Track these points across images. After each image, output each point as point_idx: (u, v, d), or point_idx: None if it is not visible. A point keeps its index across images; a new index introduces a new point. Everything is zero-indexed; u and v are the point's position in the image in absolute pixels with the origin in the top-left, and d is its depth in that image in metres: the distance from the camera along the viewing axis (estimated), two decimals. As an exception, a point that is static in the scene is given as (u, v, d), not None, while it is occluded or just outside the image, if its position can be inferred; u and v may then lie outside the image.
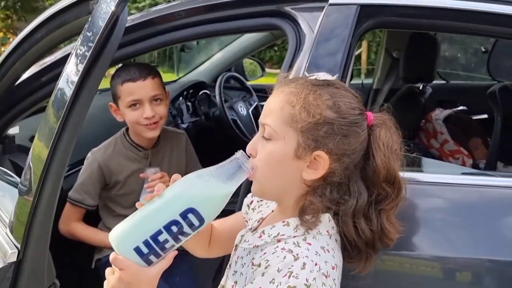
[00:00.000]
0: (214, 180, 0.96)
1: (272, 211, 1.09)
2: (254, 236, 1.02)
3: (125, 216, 1.93)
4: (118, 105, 1.75)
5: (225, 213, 1.06)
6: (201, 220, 0.95)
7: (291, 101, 0.95)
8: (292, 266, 0.89)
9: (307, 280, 0.87)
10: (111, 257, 0.96)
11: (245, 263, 1.01)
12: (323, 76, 1.02)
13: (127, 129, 1.83)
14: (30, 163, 1.29)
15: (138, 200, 1.78)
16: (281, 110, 0.96)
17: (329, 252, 0.94)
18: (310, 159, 0.95)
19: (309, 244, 0.94)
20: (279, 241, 0.96)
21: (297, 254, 0.91)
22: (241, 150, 0.99)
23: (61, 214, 1.78)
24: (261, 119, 1.00)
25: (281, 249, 0.93)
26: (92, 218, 1.85)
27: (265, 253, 0.96)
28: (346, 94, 0.98)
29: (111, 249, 1.86)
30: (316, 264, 0.90)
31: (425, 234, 1.16)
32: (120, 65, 1.79)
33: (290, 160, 0.96)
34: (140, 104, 1.71)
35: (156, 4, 12.10)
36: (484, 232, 1.14)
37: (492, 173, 1.23)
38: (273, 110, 0.98)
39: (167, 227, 0.94)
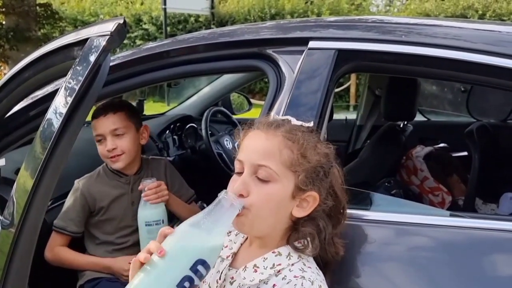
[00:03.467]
0: (213, 226, 0.98)
1: (241, 244, 1.14)
2: (248, 272, 1.06)
3: (107, 242, 1.96)
4: None
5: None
6: (208, 268, 0.97)
7: (288, 146, 1.03)
8: None
9: None
10: None
11: None
12: (296, 121, 1.11)
13: None
14: (14, 194, 1.31)
15: (120, 226, 1.84)
16: (280, 154, 1.02)
17: (319, 273, 1.06)
18: (301, 198, 1.04)
19: (310, 267, 1.04)
20: (279, 271, 1.03)
21: (309, 278, 1.00)
22: (225, 190, 1.03)
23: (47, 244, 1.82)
24: (254, 161, 1.03)
25: (294, 276, 1.00)
26: (77, 249, 1.87)
27: (274, 284, 1.02)
28: (323, 141, 1.10)
29: (93, 272, 1.88)
30: (324, 284, 1.02)
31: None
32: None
33: (287, 200, 1.04)
34: (103, 139, 1.82)
35: (148, 34, 12.25)
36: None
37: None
38: (271, 153, 1.03)
39: (180, 285, 0.92)
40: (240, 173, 1.06)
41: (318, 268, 1.07)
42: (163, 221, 1.78)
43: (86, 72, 1.12)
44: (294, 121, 1.11)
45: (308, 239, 1.05)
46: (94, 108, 1.84)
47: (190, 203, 1.99)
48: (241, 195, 1.02)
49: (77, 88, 1.12)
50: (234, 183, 1.06)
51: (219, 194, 1.02)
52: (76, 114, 1.17)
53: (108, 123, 1.82)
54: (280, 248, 1.06)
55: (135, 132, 1.87)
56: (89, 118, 1.87)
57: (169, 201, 1.85)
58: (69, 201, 1.86)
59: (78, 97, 1.14)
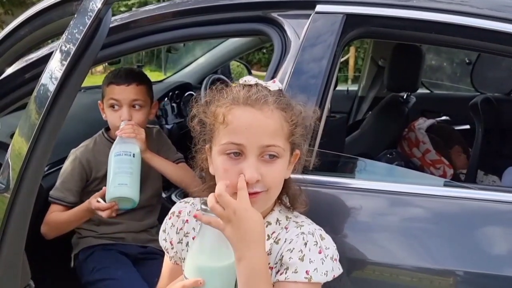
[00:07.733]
0: (216, 246, 0.97)
1: None
2: None
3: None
4: (104, 104, 1.80)
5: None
6: None
7: (285, 118, 1.01)
8: (315, 241, 0.99)
9: (334, 246, 1.01)
10: None
11: None
12: (262, 82, 1.05)
13: (106, 128, 1.87)
14: (9, 159, 1.28)
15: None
16: (282, 129, 1.00)
17: (312, 222, 1.06)
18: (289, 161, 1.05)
19: (303, 221, 1.05)
20: (277, 237, 1.02)
21: (309, 232, 1.00)
22: (202, 207, 0.97)
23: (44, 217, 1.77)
24: (262, 142, 0.97)
25: (295, 235, 1.00)
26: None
27: (282, 251, 1.00)
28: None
29: (87, 240, 1.82)
30: (321, 231, 1.03)
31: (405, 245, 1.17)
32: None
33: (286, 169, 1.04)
34: (119, 106, 1.76)
35: (146, 3, 12.06)
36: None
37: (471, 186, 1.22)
38: (277, 131, 0.99)
39: None
40: (237, 154, 0.98)
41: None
42: (134, 155, 1.69)
43: (86, 27, 1.05)
44: (261, 82, 1.04)
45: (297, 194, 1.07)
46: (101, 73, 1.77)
47: (177, 164, 1.93)
48: (257, 181, 0.97)
49: (76, 43, 1.06)
50: (229, 172, 0.98)
51: (200, 210, 0.98)
52: (75, 71, 1.11)
53: (130, 93, 1.76)
54: (268, 217, 1.05)
55: (149, 107, 1.84)
56: (96, 82, 1.82)
57: (150, 157, 1.78)
58: (66, 171, 1.80)
59: (78, 53, 1.07)
